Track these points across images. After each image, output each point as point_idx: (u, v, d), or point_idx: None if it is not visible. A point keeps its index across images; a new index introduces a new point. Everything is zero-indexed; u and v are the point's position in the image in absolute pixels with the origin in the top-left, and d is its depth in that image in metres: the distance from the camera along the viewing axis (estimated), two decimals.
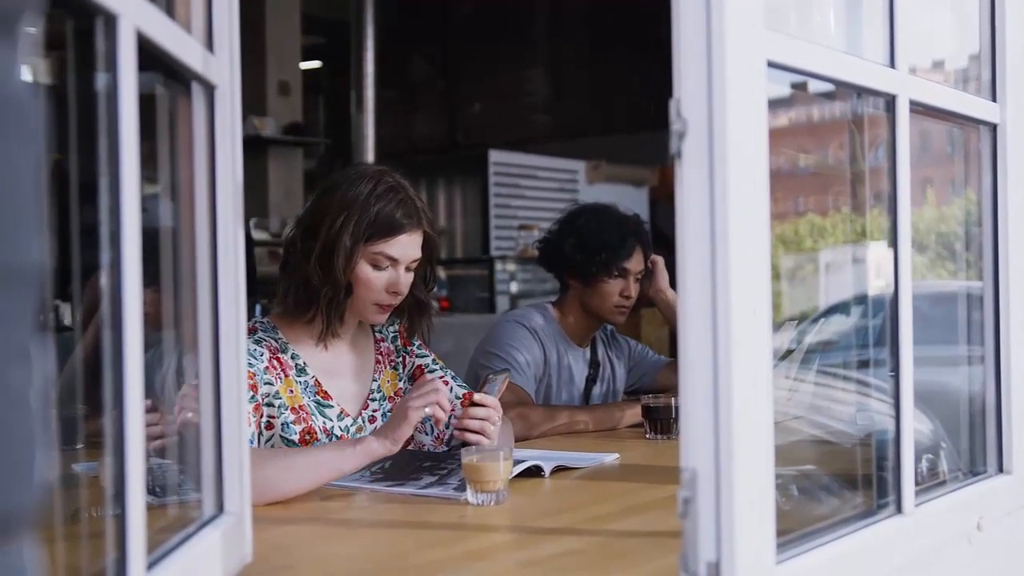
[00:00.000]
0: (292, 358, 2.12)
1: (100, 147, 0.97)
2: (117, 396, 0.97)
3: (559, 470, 2.09)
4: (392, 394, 2.26)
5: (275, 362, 2.08)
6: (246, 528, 1.37)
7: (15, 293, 0.52)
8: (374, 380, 2.24)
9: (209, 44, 1.30)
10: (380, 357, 2.28)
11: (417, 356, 2.32)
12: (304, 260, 2.09)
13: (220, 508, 1.32)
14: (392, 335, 2.32)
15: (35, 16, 0.57)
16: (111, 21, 0.95)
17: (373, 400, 2.23)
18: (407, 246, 2.11)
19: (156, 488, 1.31)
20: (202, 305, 1.30)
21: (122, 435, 0.96)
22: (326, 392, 2.14)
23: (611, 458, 2.26)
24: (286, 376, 2.09)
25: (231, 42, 1.33)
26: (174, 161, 1.30)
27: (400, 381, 2.29)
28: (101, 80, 0.97)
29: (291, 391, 2.09)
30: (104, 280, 0.98)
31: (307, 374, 2.13)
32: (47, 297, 0.59)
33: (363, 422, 2.19)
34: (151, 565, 1.04)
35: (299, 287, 2.11)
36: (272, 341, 2.11)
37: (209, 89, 1.29)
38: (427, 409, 1.89)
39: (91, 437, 1.19)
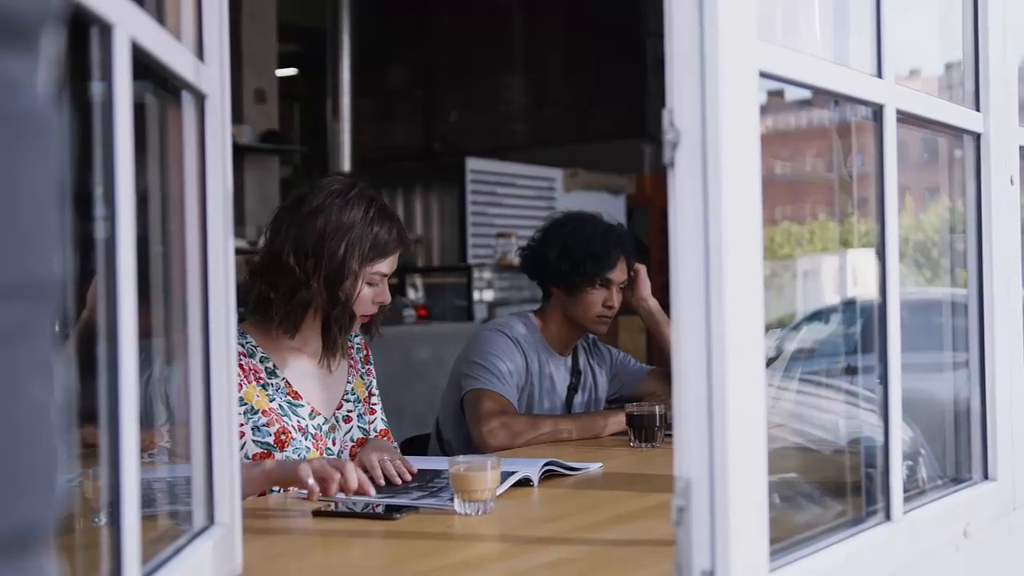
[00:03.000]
0: (261, 361, 2.17)
1: (95, 155, 0.96)
2: (112, 408, 0.96)
3: (548, 476, 2.09)
4: (362, 399, 2.34)
5: (238, 367, 2.09)
6: (236, 540, 1.36)
7: (37, 306, 0.52)
8: (348, 382, 2.32)
9: (200, 53, 1.29)
10: (352, 362, 2.35)
11: (373, 377, 2.41)
12: (303, 282, 2.11)
13: (211, 519, 1.31)
14: (357, 346, 2.38)
15: (55, 30, 0.57)
16: (106, 30, 0.95)
17: (348, 400, 2.30)
18: (395, 261, 2.23)
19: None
20: (192, 315, 1.29)
21: (117, 447, 0.96)
22: (296, 392, 2.19)
23: (595, 467, 2.26)
24: (254, 380, 2.14)
25: (221, 52, 1.33)
26: (163, 169, 1.29)
27: (365, 389, 2.37)
28: (95, 88, 0.97)
29: (259, 395, 2.13)
30: (97, 289, 0.97)
31: (278, 376, 2.18)
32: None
33: (337, 421, 2.25)
34: None
35: (296, 306, 2.13)
36: (238, 346, 2.13)
37: (200, 98, 1.29)
38: (310, 481, 1.82)
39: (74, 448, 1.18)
